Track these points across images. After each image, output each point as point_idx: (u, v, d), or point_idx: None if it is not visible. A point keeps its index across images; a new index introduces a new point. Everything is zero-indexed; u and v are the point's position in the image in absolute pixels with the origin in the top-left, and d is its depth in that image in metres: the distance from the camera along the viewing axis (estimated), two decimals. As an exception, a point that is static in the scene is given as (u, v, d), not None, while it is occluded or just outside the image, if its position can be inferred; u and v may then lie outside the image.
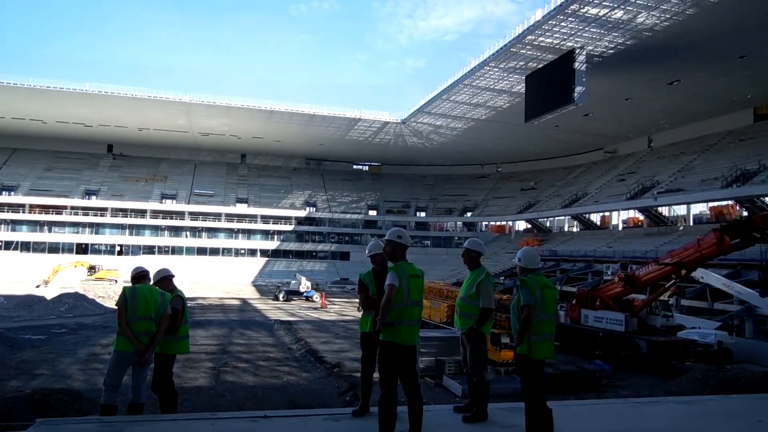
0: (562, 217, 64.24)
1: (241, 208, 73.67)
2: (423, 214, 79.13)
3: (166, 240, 70.02)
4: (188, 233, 71.39)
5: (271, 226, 73.84)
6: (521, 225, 70.91)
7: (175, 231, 70.89)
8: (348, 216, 77.88)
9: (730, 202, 43.71)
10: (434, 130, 66.79)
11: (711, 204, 46.45)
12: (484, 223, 76.08)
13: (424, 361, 17.23)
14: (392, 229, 5.11)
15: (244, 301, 43.14)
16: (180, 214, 70.44)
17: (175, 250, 69.55)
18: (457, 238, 74.46)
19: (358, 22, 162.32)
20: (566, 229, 65.33)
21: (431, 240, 77.08)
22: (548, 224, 66.98)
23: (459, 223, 78.23)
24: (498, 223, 75.00)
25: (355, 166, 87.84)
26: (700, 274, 23.91)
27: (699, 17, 33.79)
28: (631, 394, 15.89)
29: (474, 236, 70.26)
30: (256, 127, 68.37)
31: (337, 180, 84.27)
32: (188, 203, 71.53)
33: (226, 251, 72.21)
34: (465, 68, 49.00)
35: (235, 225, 72.58)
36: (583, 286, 33.43)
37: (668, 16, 34.40)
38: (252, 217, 73.30)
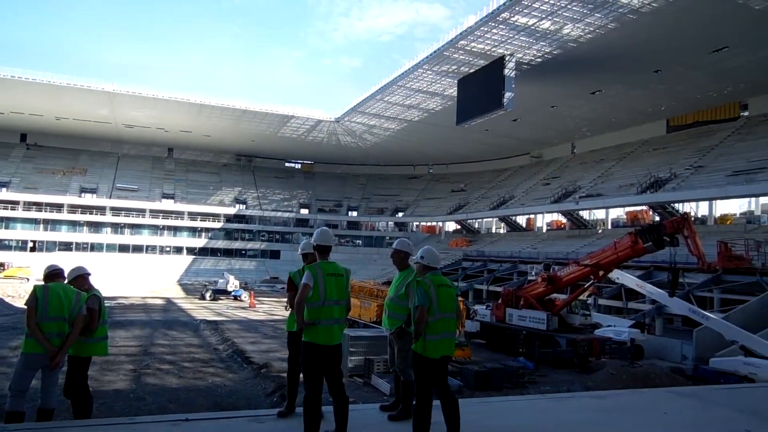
0: (490, 219, 66.16)
1: (167, 204, 71.14)
2: (355, 214, 79.23)
3: (84, 236, 66.58)
4: (109, 229, 68.24)
5: (198, 223, 71.76)
6: (451, 226, 72.36)
7: (95, 227, 67.56)
8: (279, 214, 76.86)
9: (644, 208, 46.34)
10: (368, 130, 67.02)
11: (627, 209, 49.14)
12: (415, 223, 77.10)
13: (353, 360, 17.25)
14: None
15: (168, 300, 41.67)
16: (101, 209, 67.12)
17: (94, 247, 66.24)
18: (388, 237, 75.04)
19: (294, 17, 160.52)
20: (494, 230, 67.36)
21: (362, 239, 77.33)
22: (477, 225, 68.73)
23: (390, 223, 78.90)
24: (428, 223, 76.23)
25: (287, 164, 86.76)
26: (616, 275, 25.15)
27: (619, 32, 35.67)
28: (552, 390, 16.56)
29: (405, 236, 71.11)
30: (185, 121, 66.15)
31: (269, 177, 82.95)
32: (110, 198, 68.24)
33: (150, 248, 69.55)
34: (399, 70, 49.49)
35: (160, 221, 69.96)
36: (509, 286, 34.53)
37: (591, 29, 36.10)
38: (179, 214, 70.92)
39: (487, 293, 43.29)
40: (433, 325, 4.82)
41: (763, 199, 42.05)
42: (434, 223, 75.31)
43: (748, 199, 42.55)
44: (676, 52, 37.70)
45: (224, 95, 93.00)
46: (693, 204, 42.68)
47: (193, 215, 71.50)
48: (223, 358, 19.58)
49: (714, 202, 42.09)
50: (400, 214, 77.28)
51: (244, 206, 75.51)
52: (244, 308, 37.98)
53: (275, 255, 72.79)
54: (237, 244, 73.40)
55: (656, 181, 42.92)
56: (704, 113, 48.42)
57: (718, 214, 43.66)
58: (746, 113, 45.82)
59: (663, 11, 32.47)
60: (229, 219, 73.65)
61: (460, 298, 26.47)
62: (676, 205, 41.66)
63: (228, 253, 72.33)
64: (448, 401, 4.72)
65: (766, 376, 16.91)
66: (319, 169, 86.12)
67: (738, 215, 43.93)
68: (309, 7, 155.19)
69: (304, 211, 78.84)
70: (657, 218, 41.28)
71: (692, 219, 23.81)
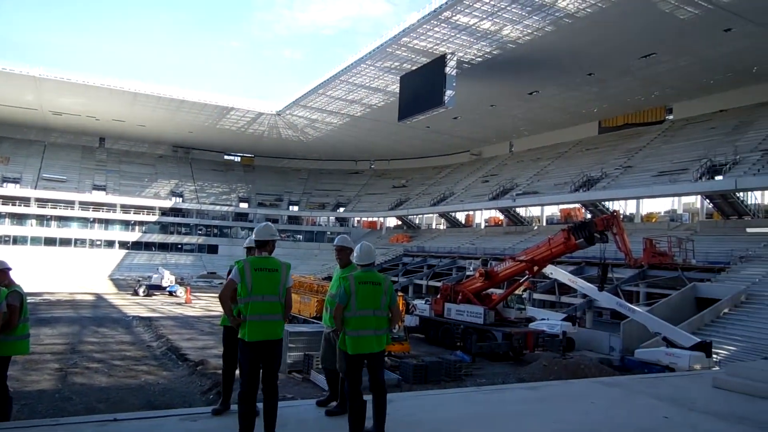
0: (430, 215, 67.02)
1: (98, 196, 68.16)
2: (296, 208, 78.48)
3: (6, 228, 62.93)
4: (34, 221, 64.74)
5: (132, 216, 69.12)
6: (392, 221, 72.90)
7: (19, 219, 63.97)
8: (217, 208, 75.10)
9: (577, 205, 48.19)
10: (309, 124, 66.43)
11: (561, 206, 50.93)
12: (356, 218, 77.19)
13: (292, 356, 17.13)
14: None
15: (98, 296, 40.02)
16: (25, 200, 63.52)
17: (17, 240, 62.74)
18: (329, 232, 74.79)
19: (233, 7, 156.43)
20: (434, 226, 68.31)
21: (303, 234, 76.66)
22: (417, 221, 69.50)
23: (332, 218, 78.68)
24: (370, 218, 76.49)
25: (226, 157, 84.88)
26: (549, 270, 26.05)
27: (556, 35, 36.82)
28: (487, 382, 17.01)
29: (345, 231, 70.96)
30: (118, 110, 63.41)
31: (207, 170, 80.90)
32: (35, 188, 64.70)
33: (80, 242, 66.48)
34: (342, 64, 49.23)
35: (90, 214, 67.00)
36: (448, 281, 35.15)
37: (529, 31, 37.09)
38: (111, 206, 68.10)
39: (426, 288, 43.88)
40: (350, 321, 4.85)
41: (685, 199, 44.58)
42: (375, 219, 75.63)
43: (671, 198, 44.94)
44: (607, 57, 39.33)
45: (161, 84, 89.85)
46: (622, 202, 44.67)
47: (126, 208, 68.84)
48: (157, 356, 19.06)
49: (641, 200, 44.21)
50: (342, 209, 77.15)
51: (181, 199, 73.36)
52: (179, 304, 37.02)
53: (213, 250, 71.15)
54: (173, 238, 71.27)
55: (588, 180, 44.67)
56: (633, 116, 50.77)
57: (644, 213, 45.92)
58: (671, 117, 48.36)
59: (596, 17, 33.75)
60: (164, 212, 71.36)
61: (400, 293, 26.80)
62: (607, 203, 43.49)
63: (163, 247, 70.10)
64: (375, 396, 4.76)
65: (686, 365, 17.96)
66: (259, 163, 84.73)
67: (663, 213, 46.35)
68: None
69: (244, 206, 77.38)
70: (589, 216, 42.90)
71: (621, 217, 24.94)
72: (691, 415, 5.48)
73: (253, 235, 5.04)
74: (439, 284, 35.03)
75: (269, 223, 5.42)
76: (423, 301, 28.57)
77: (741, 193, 34.57)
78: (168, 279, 42.69)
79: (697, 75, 40.91)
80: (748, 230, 33.76)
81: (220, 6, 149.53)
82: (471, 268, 37.53)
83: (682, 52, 37.65)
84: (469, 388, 10.72)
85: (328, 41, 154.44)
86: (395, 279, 46.11)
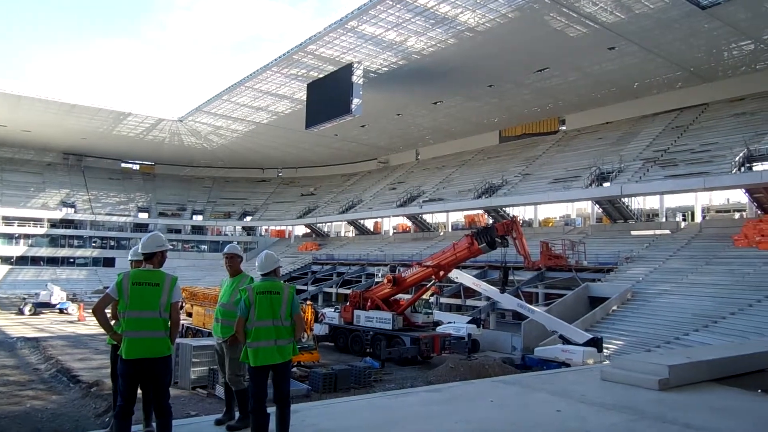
0: (339, 223, 67.05)
1: (-24, 207, 62.36)
2: (200, 218, 75.76)
3: None
4: None
5: (16, 229, 63.70)
6: (301, 230, 72.20)
7: None
8: (114, 218, 70.94)
9: (480, 211, 50.06)
10: (214, 131, 64.45)
11: (466, 212, 52.71)
12: (264, 227, 75.76)
13: (196, 372, 16.56)
14: None
15: (-24, 317, 36.53)
16: None
17: None
18: (236, 242, 72.67)
19: (129, 7, 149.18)
20: (343, 233, 68.44)
21: (208, 245, 74.11)
22: (326, 229, 69.27)
23: (238, 228, 76.72)
24: (278, 227, 75.35)
25: (123, 164, 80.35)
26: (455, 274, 26.86)
27: (458, 47, 38.18)
28: (396, 387, 17.23)
29: (253, 240, 69.39)
30: (-1, 114, 58.41)
31: (102, 178, 76.26)
32: None
33: (-46, 258, 60.48)
34: (247, 70, 48.29)
35: (-34, 227, 61.12)
36: (357, 288, 35.31)
37: (433, 43, 38.20)
38: (-9, 218, 62.50)
39: (336, 296, 43.80)
40: (250, 332, 4.80)
41: (578, 204, 47.59)
42: (284, 227, 74.59)
43: (566, 204, 47.79)
44: (506, 70, 41.34)
45: (48, 87, 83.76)
46: (521, 208, 46.94)
47: (9, 220, 63.38)
48: (45, 379, 17.75)
49: (538, 206, 46.66)
50: (249, 218, 75.42)
51: (73, 210, 68.60)
52: (71, 322, 34.69)
53: (109, 263, 67.01)
54: (64, 252, 66.48)
55: (490, 187, 46.56)
56: (530, 126, 53.58)
57: (542, 218, 48.50)
58: (564, 128, 51.51)
59: (495, 32, 35.36)
60: (54, 224, 66.40)
61: (308, 302, 26.60)
62: (507, 209, 45.51)
63: (53, 261, 65.20)
64: (279, 408, 4.69)
65: (580, 360, 19.13)
66: (160, 171, 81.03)
67: (558, 218, 49.18)
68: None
69: (143, 216, 73.62)
70: (491, 221, 44.65)
71: (520, 222, 26.22)
72: (581, 407, 5.83)
73: (139, 247, 4.78)
74: (348, 292, 35.08)
75: (157, 232, 5.20)
76: (332, 309, 28.52)
77: (626, 199, 37.44)
78: (58, 295, 39.86)
79: (586, 89, 43.93)
80: (633, 233, 36.59)
81: (115, 5, 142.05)
82: (380, 275, 37.94)
83: (572, 68, 40.26)
84: (376, 394, 10.82)
85: (232, 47, 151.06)
86: (304, 288, 45.67)
